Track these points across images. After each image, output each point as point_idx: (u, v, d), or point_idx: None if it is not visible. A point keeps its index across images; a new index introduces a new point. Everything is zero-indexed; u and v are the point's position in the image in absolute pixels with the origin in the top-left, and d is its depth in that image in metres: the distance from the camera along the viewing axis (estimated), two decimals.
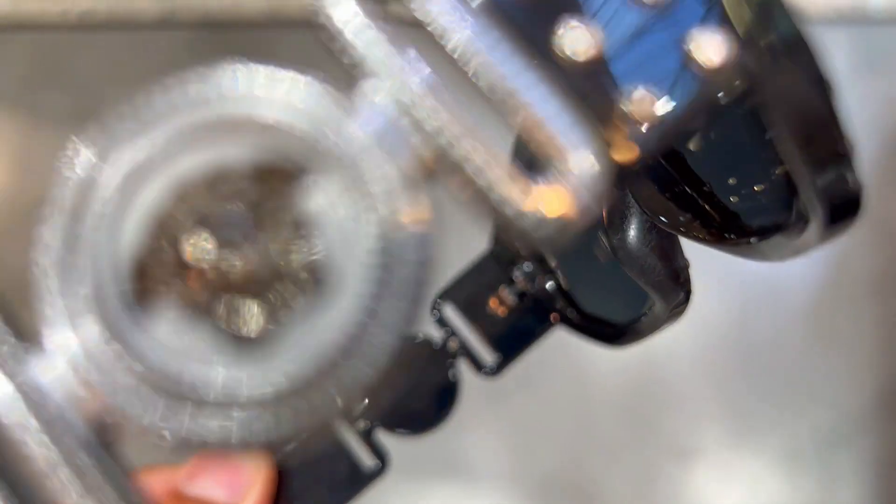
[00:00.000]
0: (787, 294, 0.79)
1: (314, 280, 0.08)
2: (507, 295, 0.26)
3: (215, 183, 0.08)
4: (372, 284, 0.08)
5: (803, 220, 0.15)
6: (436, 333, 0.26)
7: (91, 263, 0.08)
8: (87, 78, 0.90)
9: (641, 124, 0.09)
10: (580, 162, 0.09)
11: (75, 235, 0.09)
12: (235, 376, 0.08)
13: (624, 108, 0.09)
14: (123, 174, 0.09)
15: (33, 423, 0.08)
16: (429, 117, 0.09)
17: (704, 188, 0.18)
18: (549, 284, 0.26)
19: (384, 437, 0.27)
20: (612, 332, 0.26)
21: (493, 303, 0.25)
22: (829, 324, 0.79)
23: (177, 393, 0.08)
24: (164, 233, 0.08)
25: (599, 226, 0.23)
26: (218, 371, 0.08)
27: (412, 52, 0.09)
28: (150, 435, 0.09)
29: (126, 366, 0.08)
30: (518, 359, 0.27)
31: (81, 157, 0.09)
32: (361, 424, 0.27)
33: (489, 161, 0.10)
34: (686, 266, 0.22)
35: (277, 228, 0.08)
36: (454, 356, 0.26)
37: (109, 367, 0.08)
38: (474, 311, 0.26)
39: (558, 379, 0.79)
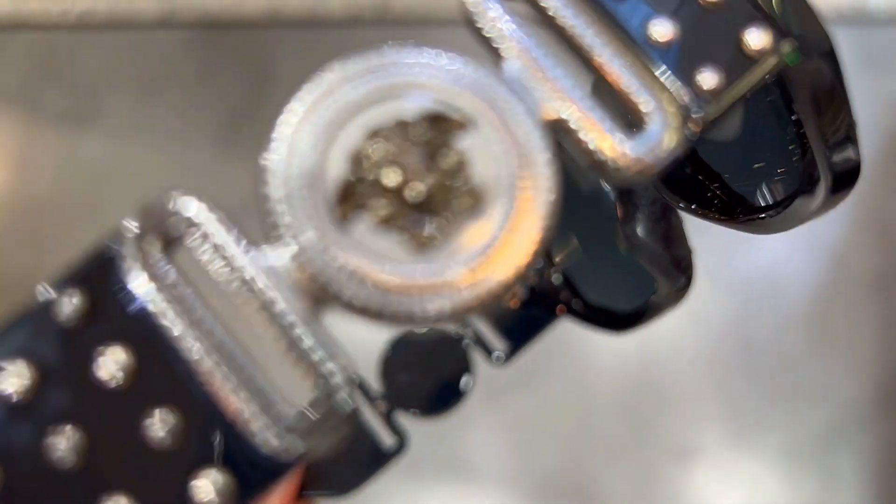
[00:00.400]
0: (787, 294, 0.79)
1: (473, 201, 0.11)
2: (518, 288, 0.27)
3: (399, 127, 0.11)
4: (513, 202, 0.11)
5: (806, 194, 0.17)
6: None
7: (308, 189, 0.11)
8: (87, 77, 0.90)
9: (706, 99, 0.12)
10: (654, 117, 0.11)
11: (295, 166, 0.12)
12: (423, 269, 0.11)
13: (695, 83, 0.12)
14: (327, 120, 0.12)
15: (275, 296, 0.11)
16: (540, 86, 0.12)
17: (723, 175, 0.20)
18: (555, 278, 0.28)
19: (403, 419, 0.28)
20: (616, 320, 0.29)
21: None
22: (829, 323, 0.79)
23: (379, 281, 0.11)
24: (362, 165, 0.11)
25: (615, 218, 0.25)
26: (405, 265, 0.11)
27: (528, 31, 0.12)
28: (360, 312, 0.12)
29: (337, 263, 0.11)
30: (527, 348, 0.30)
31: (295, 105, 0.12)
32: (382, 406, 0.28)
33: (584, 118, 0.12)
34: (690, 253, 0.23)
35: (446, 162, 0.12)
36: (468, 345, 0.29)
37: (324, 263, 0.11)
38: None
39: (559, 378, 0.79)
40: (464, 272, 0.11)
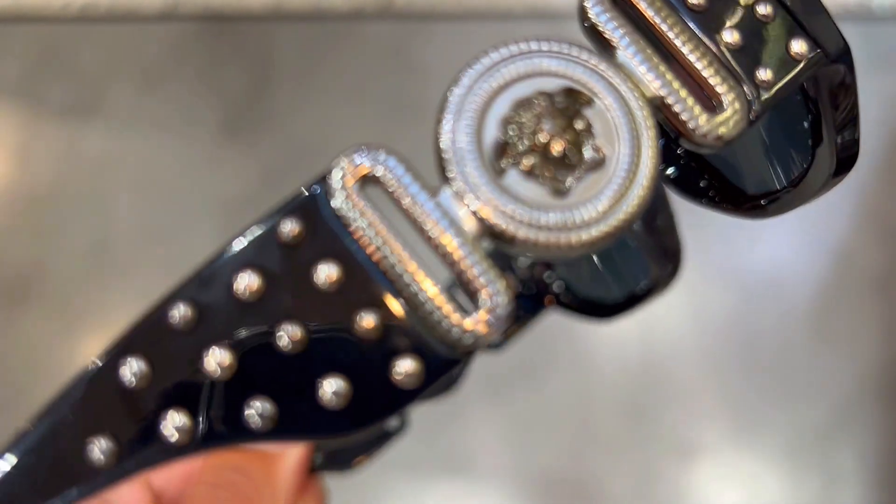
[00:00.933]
0: (790, 292, 0.79)
1: (599, 157, 0.15)
2: (511, 281, 0.30)
3: (542, 98, 0.15)
4: (633, 159, 0.15)
5: (808, 179, 0.21)
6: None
7: (472, 147, 0.14)
8: (89, 70, 0.90)
9: (765, 89, 0.16)
10: (729, 100, 0.16)
11: (461, 131, 0.14)
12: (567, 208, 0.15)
13: (756, 77, 0.16)
14: (485, 94, 0.15)
15: (449, 231, 0.14)
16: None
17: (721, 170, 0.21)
18: (546, 274, 0.30)
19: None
20: (604, 309, 0.30)
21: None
22: (831, 321, 0.78)
23: (533, 220, 0.14)
24: (513, 129, 0.15)
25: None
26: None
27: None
28: (521, 246, 0.15)
29: (496, 204, 0.14)
30: (517, 337, 0.31)
31: (462, 82, 0.15)
32: None
33: (680, 96, 0.16)
34: (679, 243, 0.24)
35: (578, 126, 0.15)
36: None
37: (491, 203, 0.14)
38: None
39: (560, 375, 0.79)
40: (599, 211, 0.15)
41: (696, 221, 0.82)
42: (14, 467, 0.14)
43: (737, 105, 0.16)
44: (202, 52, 0.89)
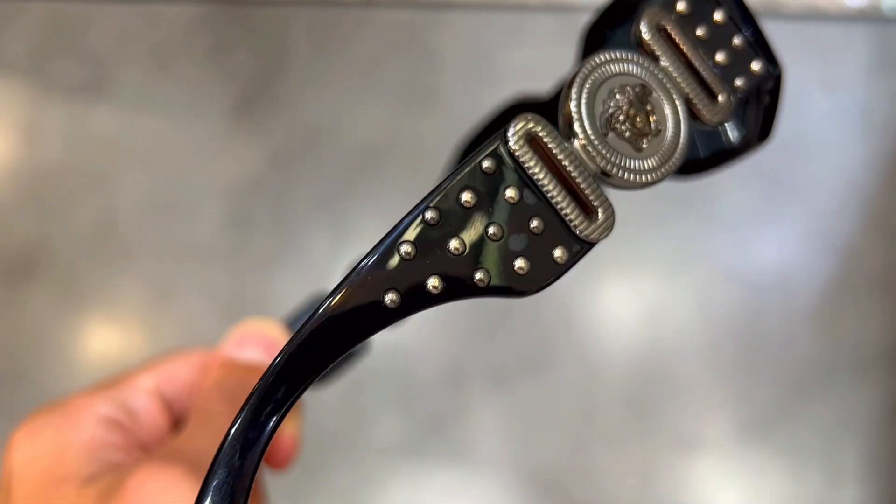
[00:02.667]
0: (795, 290, 0.79)
1: (658, 128, 0.22)
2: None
3: (630, 88, 0.22)
4: (675, 132, 0.23)
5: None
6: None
7: (589, 115, 0.21)
8: (99, 50, 0.89)
9: (738, 92, 0.25)
10: (724, 98, 0.25)
11: (583, 104, 0.22)
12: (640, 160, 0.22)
13: (735, 86, 0.24)
14: (595, 81, 0.22)
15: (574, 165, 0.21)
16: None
17: None
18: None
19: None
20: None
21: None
22: (837, 320, 0.79)
23: (628, 165, 0.22)
24: (613, 106, 0.22)
25: None
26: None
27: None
28: (618, 181, 0.22)
29: (604, 153, 0.21)
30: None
31: (581, 72, 0.22)
32: None
33: (698, 90, 0.24)
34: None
35: (648, 106, 0.22)
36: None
37: (600, 153, 0.21)
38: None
39: (563, 369, 0.79)
40: (663, 163, 0.22)
41: (702, 219, 0.82)
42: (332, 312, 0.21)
43: (727, 99, 0.24)
44: (213, 34, 0.89)
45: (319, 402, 0.79)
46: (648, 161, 0.22)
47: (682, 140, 0.23)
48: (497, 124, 0.35)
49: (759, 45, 0.25)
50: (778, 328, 0.79)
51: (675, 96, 0.23)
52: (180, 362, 0.33)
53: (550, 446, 0.78)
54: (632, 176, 0.22)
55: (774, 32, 0.83)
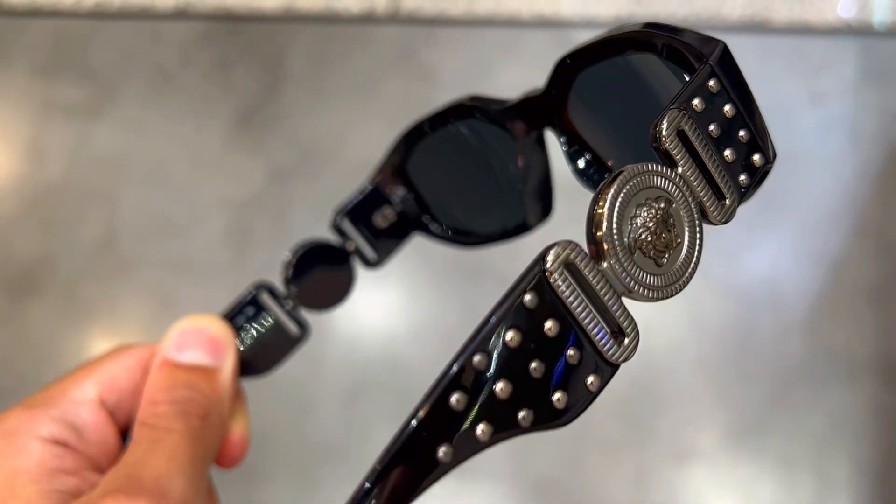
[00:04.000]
0: (787, 301, 0.80)
1: (678, 242, 0.23)
2: (389, 213, 0.39)
3: (654, 203, 0.22)
4: (691, 245, 0.23)
5: None
6: (336, 239, 0.39)
7: (621, 237, 0.22)
8: (101, 67, 0.91)
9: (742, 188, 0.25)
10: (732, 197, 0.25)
11: (614, 221, 0.22)
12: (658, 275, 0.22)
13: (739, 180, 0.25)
14: (624, 198, 0.22)
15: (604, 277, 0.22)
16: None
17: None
18: (416, 204, 0.39)
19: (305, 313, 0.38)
20: (470, 241, 0.39)
21: (378, 218, 0.39)
22: (828, 330, 0.79)
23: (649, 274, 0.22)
24: (638, 226, 0.22)
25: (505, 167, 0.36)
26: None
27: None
28: (640, 296, 0.22)
29: (633, 274, 0.22)
30: (394, 255, 0.40)
31: (612, 188, 0.22)
32: (289, 304, 0.37)
33: (714, 201, 0.25)
34: (551, 201, 0.37)
35: (670, 220, 0.22)
36: (350, 255, 0.39)
37: (630, 274, 0.22)
38: (363, 224, 0.39)
39: None
40: (681, 276, 0.23)
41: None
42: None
43: (734, 199, 0.24)
44: (213, 52, 0.90)
45: (317, 416, 0.80)
46: (667, 275, 0.23)
47: (696, 252, 0.23)
48: (447, 115, 0.36)
49: (760, 136, 0.25)
50: (769, 339, 0.79)
51: (692, 205, 0.23)
52: (119, 364, 0.32)
53: (547, 457, 0.79)
54: (653, 293, 0.22)
55: (763, 47, 0.86)
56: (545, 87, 0.32)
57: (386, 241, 0.39)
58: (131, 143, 0.89)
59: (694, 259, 0.23)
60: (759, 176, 0.25)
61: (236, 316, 0.36)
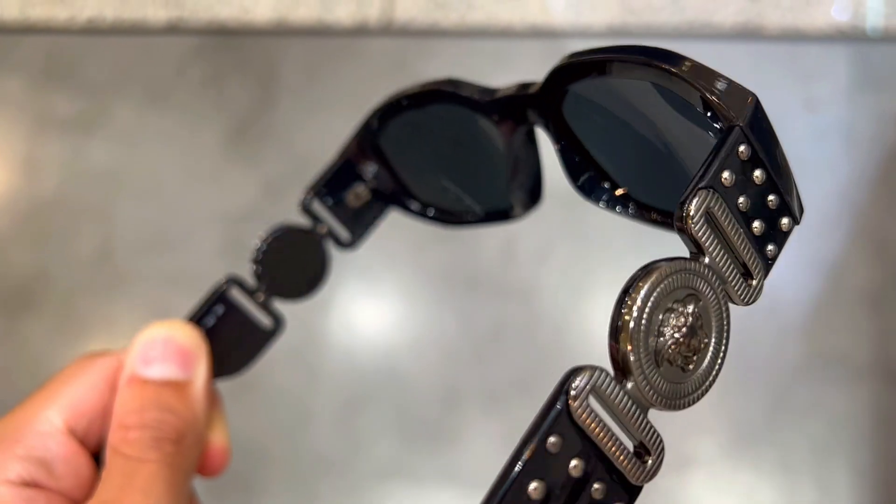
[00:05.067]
0: (785, 307, 0.80)
1: (705, 343, 0.21)
2: (362, 191, 0.37)
3: (681, 306, 0.20)
4: (718, 343, 0.22)
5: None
6: (306, 222, 0.36)
7: (648, 353, 0.20)
8: (94, 82, 0.91)
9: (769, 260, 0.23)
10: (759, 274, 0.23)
11: (642, 327, 0.20)
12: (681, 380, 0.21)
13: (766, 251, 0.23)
14: (652, 305, 0.20)
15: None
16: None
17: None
18: (391, 181, 0.37)
19: (279, 304, 0.36)
20: (452, 221, 0.37)
21: (350, 197, 0.37)
22: (826, 338, 0.79)
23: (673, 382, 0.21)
24: (665, 335, 0.20)
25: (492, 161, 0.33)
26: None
27: None
28: (667, 409, 0.21)
29: (661, 390, 0.21)
30: (367, 235, 0.38)
31: (639, 295, 0.20)
32: (261, 297, 0.35)
33: (741, 281, 0.23)
34: (538, 193, 0.34)
35: (698, 322, 0.21)
36: (322, 237, 0.37)
37: (659, 392, 0.20)
38: (335, 204, 0.37)
39: None
40: (704, 381, 0.21)
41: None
42: None
43: (761, 276, 0.22)
44: (206, 66, 0.90)
45: (314, 428, 0.79)
46: (692, 382, 0.21)
47: (722, 350, 0.21)
48: (427, 97, 0.33)
49: (790, 197, 0.23)
50: (767, 345, 0.79)
51: (720, 298, 0.21)
52: (84, 383, 0.29)
53: None
54: (677, 403, 0.21)
55: (756, 54, 0.86)
56: (539, 90, 0.29)
57: (360, 220, 0.37)
58: (125, 157, 0.88)
59: (720, 358, 0.22)
60: (786, 241, 0.23)
61: (205, 316, 0.34)
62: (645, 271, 0.20)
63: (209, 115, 0.88)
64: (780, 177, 0.22)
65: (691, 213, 0.20)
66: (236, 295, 0.34)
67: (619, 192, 0.30)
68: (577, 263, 0.80)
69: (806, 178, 0.81)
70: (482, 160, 0.34)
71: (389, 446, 0.79)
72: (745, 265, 0.22)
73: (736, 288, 0.22)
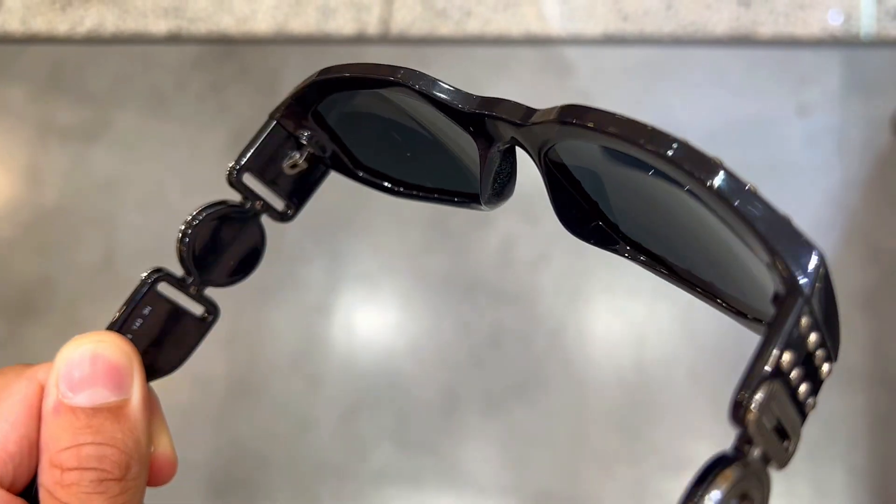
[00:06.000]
0: None
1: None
2: (299, 158, 0.32)
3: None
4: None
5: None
6: (238, 198, 0.32)
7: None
8: (96, 92, 0.92)
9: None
10: None
11: None
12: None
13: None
14: None
15: None
16: None
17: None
18: (333, 147, 0.33)
19: (213, 291, 0.33)
20: (406, 194, 0.34)
21: (286, 166, 0.32)
22: None
23: None
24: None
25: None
26: None
27: None
28: None
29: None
30: (307, 202, 0.34)
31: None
32: (192, 290, 0.31)
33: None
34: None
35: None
36: (258, 214, 0.32)
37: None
38: (269, 175, 0.33)
39: (555, 392, 0.80)
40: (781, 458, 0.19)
41: None
42: None
43: (797, 438, 0.20)
44: (207, 75, 0.91)
45: (315, 434, 0.80)
46: None
47: None
48: (380, 84, 0.30)
49: (836, 350, 0.20)
50: None
51: (763, 483, 0.19)
52: (3, 421, 0.25)
53: (544, 470, 0.79)
54: None
55: (749, 60, 0.87)
56: (529, 124, 0.25)
57: (298, 189, 0.33)
58: (127, 165, 0.89)
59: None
60: (822, 387, 0.21)
61: (132, 319, 0.30)
62: (707, 480, 0.18)
63: (210, 123, 0.89)
64: (832, 334, 0.20)
65: (752, 411, 0.18)
66: (165, 290, 0.31)
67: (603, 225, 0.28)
68: (575, 269, 0.81)
69: (798, 182, 0.82)
70: (441, 150, 0.31)
71: (389, 451, 0.79)
72: (785, 432, 0.20)
73: (776, 456, 0.19)
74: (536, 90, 0.85)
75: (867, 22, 0.86)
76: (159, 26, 0.93)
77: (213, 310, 0.33)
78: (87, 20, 0.95)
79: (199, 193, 0.89)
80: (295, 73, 0.89)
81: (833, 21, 0.85)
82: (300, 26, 0.91)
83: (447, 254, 0.83)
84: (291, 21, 0.91)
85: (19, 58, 0.94)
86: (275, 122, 0.32)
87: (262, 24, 0.92)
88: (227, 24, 0.92)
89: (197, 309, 0.32)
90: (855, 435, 0.78)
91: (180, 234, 0.31)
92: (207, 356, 0.84)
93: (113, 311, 0.29)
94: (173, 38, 0.93)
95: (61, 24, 0.95)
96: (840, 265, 0.81)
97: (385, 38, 0.89)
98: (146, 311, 0.30)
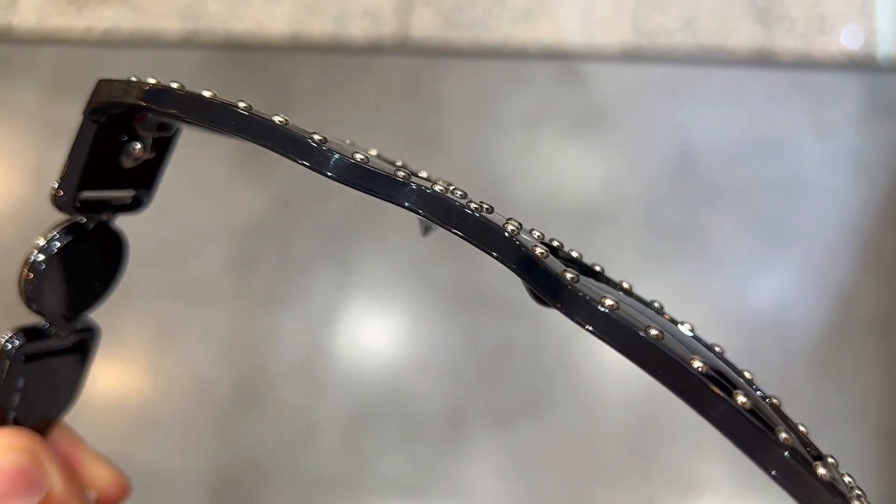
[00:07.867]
0: (793, 333, 0.80)
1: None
2: (140, 150, 0.27)
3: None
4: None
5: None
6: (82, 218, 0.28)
7: None
8: None
9: None
10: None
11: None
12: None
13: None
14: None
15: None
16: None
17: None
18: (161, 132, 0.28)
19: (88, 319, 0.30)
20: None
21: (125, 160, 0.27)
22: (833, 363, 0.79)
23: None
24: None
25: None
26: None
27: None
28: None
29: None
30: (158, 184, 0.30)
31: None
32: (61, 334, 0.28)
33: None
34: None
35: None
36: (109, 221, 0.28)
37: None
38: (107, 180, 0.28)
39: (563, 408, 0.79)
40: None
41: (700, 262, 0.83)
42: None
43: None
44: (218, 79, 0.91)
45: (319, 445, 0.79)
46: None
47: None
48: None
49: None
50: (774, 369, 0.79)
51: None
52: None
53: (551, 487, 0.78)
54: None
55: (768, 80, 0.86)
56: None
57: (147, 172, 0.29)
58: None
59: None
60: None
61: (8, 397, 0.26)
62: None
63: None
64: None
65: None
66: (33, 349, 0.27)
67: None
68: None
69: (816, 204, 0.82)
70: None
71: (394, 463, 0.78)
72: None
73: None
74: (552, 102, 0.85)
75: (885, 47, 0.85)
76: (174, 29, 0.93)
77: (88, 333, 0.30)
78: (104, 21, 0.95)
79: (208, 197, 0.89)
80: (309, 81, 0.89)
81: (851, 45, 0.85)
82: (315, 33, 0.91)
83: (455, 264, 0.83)
84: (307, 28, 0.91)
85: (33, 58, 0.94)
86: (96, 125, 0.26)
87: (277, 30, 0.91)
88: (242, 29, 0.92)
89: (76, 348, 0.29)
90: (868, 460, 0.77)
91: (22, 286, 0.27)
92: (210, 364, 0.84)
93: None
94: (187, 42, 0.92)
95: (78, 24, 0.95)
96: (856, 288, 0.80)
97: (401, 49, 0.89)
98: (20, 384, 0.27)
